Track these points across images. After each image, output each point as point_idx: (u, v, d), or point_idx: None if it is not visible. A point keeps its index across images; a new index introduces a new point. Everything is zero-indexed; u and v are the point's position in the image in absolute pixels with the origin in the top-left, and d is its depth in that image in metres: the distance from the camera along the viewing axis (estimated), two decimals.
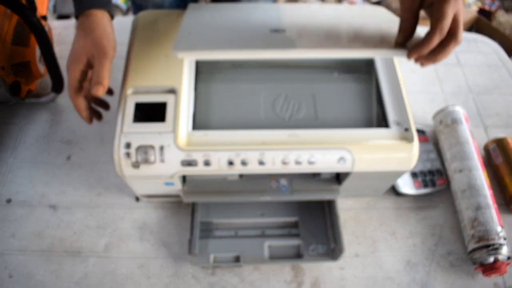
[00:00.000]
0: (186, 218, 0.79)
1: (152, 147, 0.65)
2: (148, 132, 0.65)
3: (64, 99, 0.94)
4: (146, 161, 0.65)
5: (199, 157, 0.65)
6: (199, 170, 0.66)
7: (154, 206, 0.81)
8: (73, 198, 0.82)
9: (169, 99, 0.68)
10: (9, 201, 0.82)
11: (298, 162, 0.67)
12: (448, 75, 1.05)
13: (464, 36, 1.11)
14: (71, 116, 0.92)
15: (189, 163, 0.65)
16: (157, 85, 0.70)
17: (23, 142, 0.89)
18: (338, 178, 0.77)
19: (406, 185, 0.82)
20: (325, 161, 0.67)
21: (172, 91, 0.69)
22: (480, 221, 0.75)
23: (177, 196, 0.79)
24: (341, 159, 0.67)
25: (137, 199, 0.82)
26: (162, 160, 0.65)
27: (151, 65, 0.72)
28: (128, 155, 0.65)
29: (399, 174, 0.73)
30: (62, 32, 1.09)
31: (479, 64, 1.09)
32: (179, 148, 0.64)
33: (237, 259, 0.75)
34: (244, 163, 0.66)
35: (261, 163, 0.66)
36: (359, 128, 0.69)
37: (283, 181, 0.75)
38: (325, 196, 0.75)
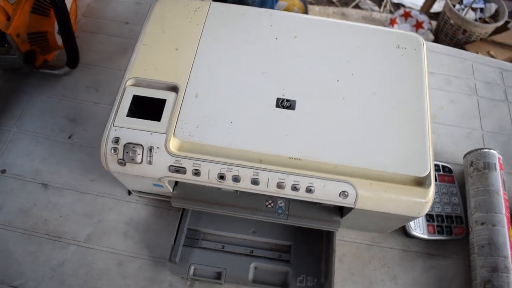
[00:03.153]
0: (175, 221, 0.75)
1: (140, 146, 0.60)
2: (140, 129, 0.61)
3: (78, 75, 0.91)
4: (133, 160, 0.60)
5: (188, 165, 0.60)
6: (187, 178, 0.61)
7: (145, 203, 0.78)
8: (66, 179, 0.80)
9: (169, 96, 0.63)
10: (3, 171, 0.80)
11: (295, 188, 0.60)
12: (492, 111, 0.93)
13: None
14: (82, 94, 0.89)
15: (177, 170, 0.60)
16: (161, 79, 0.65)
17: (29, 113, 0.87)
18: (341, 209, 0.69)
19: (418, 228, 0.74)
20: (325, 192, 0.60)
21: (175, 88, 0.64)
22: (494, 285, 0.66)
23: (169, 196, 0.74)
24: (343, 193, 0.60)
25: (129, 192, 0.78)
26: (149, 162, 0.60)
27: (158, 56, 0.67)
28: (115, 150, 0.60)
29: (407, 219, 0.65)
30: (92, 4, 1.06)
31: None
32: (169, 152, 0.60)
33: (218, 276, 0.70)
34: (236, 179, 0.60)
35: (254, 182, 0.60)
36: (367, 161, 0.61)
37: (281, 202, 0.69)
38: (323, 227, 0.68)
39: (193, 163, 0.60)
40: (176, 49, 0.67)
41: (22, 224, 0.75)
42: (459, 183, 0.81)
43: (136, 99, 0.63)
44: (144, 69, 0.65)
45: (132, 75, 0.65)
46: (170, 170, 0.60)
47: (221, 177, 0.60)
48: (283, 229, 0.74)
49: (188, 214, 0.73)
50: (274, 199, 0.70)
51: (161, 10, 0.72)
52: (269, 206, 0.69)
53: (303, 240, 0.73)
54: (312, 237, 0.74)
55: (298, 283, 0.70)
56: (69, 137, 0.84)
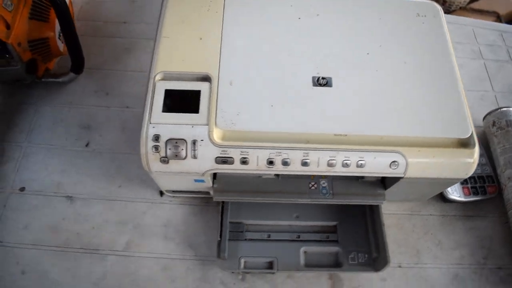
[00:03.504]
0: (214, 217, 0.73)
1: (183, 141, 0.57)
2: (180, 123, 0.58)
3: (84, 80, 0.87)
4: (176, 156, 0.58)
5: (235, 155, 0.58)
6: (235, 168, 0.59)
7: (180, 202, 0.75)
8: (91, 189, 0.76)
9: (203, 87, 0.61)
10: (22, 189, 0.76)
11: (345, 165, 0.59)
12: (499, 72, 0.96)
13: None
14: (92, 100, 0.85)
15: (224, 160, 0.58)
16: (190, 71, 0.62)
17: (39, 125, 0.82)
18: (383, 181, 0.69)
19: (455, 191, 0.75)
20: (376, 164, 0.59)
21: (207, 78, 0.61)
22: None
23: (206, 192, 0.72)
24: (393, 163, 0.59)
25: (161, 193, 0.76)
26: (194, 156, 0.58)
27: (183, 48, 0.64)
28: (156, 148, 0.57)
29: (454, 181, 0.65)
30: (85, 7, 1.01)
31: None
32: (214, 143, 0.57)
33: (270, 265, 0.68)
34: (285, 163, 0.59)
35: (304, 164, 0.59)
36: (412, 128, 0.61)
37: (324, 183, 0.68)
38: (369, 201, 0.68)
39: (241, 152, 0.58)
40: (200, 39, 0.65)
41: (53, 241, 0.71)
42: (482, 144, 0.82)
43: (169, 93, 0.61)
44: (171, 62, 0.63)
45: (159, 69, 0.62)
46: (217, 162, 0.58)
47: (271, 162, 0.59)
48: (326, 210, 0.73)
49: (228, 208, 0.70)
50: (316, 180, 0.69)
51: (177, 1, 0.69)
52: (313, 188, 0.68)
53: (347, 218, 0.73)
54: (356, 214, 0.73)
55: (350, 261, 0.69)
56: (86, 145, 0.80)
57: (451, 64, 0.66)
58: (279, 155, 0.58)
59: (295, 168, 0.59)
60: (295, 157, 0.58)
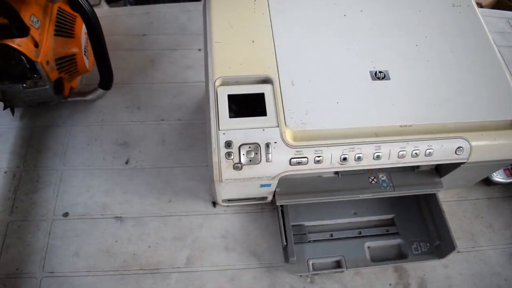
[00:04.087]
0: (271, 223, 0.72)
1: (257, 145, 0.56)
2: (250, 128, 0.57)
3: (112, 96, 0.84)
4: (251, 161, 0.56)
5: (309, 154, 0.58)
6: (308, 168, 0.59)
7: (235, 211, 0.73)
8: (140, 207, 0.73)
9: (266, 89, 0.60)
10: (65, 214, 0.72)
11: (415, 155, 0.60)
12: None
13: None
14: (124, 116, 0.82)
15: (298, 161, 0.57)
16: (249, 74, 0.61)
17: (72, 146, 0.78)
18: (438, 170, 0.70)
19: (498, 174, 0.77)
20: (443, 151, 0.61)
21: (268, 80, 0.61)
22: None
23: (262, 198, 0.71)
24: (459, 149, 0.60)
25: (214, 204, 0.73)
26: (268, 159, 0.57)
27: (237, 52, 0.63)
28: (229, 155, 0.56)
29: (510, 162, 0.67)
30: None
31: None
32: (288, 145, 0.57)
33: (338, 264, 0.68)
34: (358, 158, 0.59)
35: (377, 157, 0.59)
36: (472, 114, 0.62)
37: (382, 176, 0.69)
38: (427, 190, 0.69)
39: (315, 151, 0.57)
40: (253, 41, 0.64)
41: (109, 265, 0.67)
42: None
43: (232, 98, 0.59)
44: (228, 66, 0.62)
45: (217, 75, 0.60)
46: (291, 164, 0.58)
47: (344, 159, 0.58)
48: (382, 204, 0.74)
49: (288, 211, 0.69)
50: (375, 174, 0.69)
51: (219, 6, 0.68)
52: (373, 182, 0.68)
53: (403, 210, 0.73)
54: (411, 205, 0.74)
55: (414, 252, 0.70)
56: (126, 163, 0.77)
57: (492, 50, 0.69)
58: (352, 150, 0.58)
59: (367, 163, 0.60)
60: (368, 151, 0.59)
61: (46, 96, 0.75)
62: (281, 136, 0.57)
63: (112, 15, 0.95)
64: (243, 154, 0.56)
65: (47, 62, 0.72)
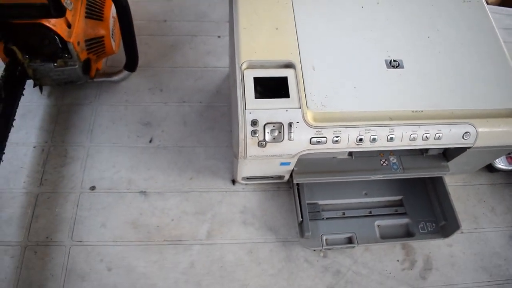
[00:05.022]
0: (287, 201, 0.76)
1: (280, 124, 0.61)
2: (274, 108, 0.61)
3: (135, 78, 0.88)
4: (274, 139, 0.61)
5: (329, 134, 0.62)
6: (326, 148, 0.63)
7: (253, 189, 0.78)
8: (164, 183, 0.77)
9: (289, 73, 0.64)
10: (93, 188, 0.76)
11: (425, 138, 0.65)
12: None
13: None
14: (147, 97, 0.86)
15: (318, 141, 0.62)
16: (273, 59, 0.65)
17: (99, 124, 0.82)
18: (445, 154, 0.75)
19: (501, 162, 0.82)
20: (451, 136, 0.65)
21: (290, 65, 0.65)
22: None
23: (279, 177, 0.75)
24: (466, 134, 0.65)
25: (233, 182, 0.78)
26: (290, 138, 0.61)
27: (262, 38, 0.67)
28: (254, 132, 0.60)
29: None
30: None
31: None
32: (309, 125, 0.61)
33: (349, 240, 0.72)
34: (373, 139, 0.63)
35: (390, 139, 0.64)
36: (479, 101, 0.67)
37: (393, 159, 0.73)
38: (435, 173, 0.74)
39: (334, 131, 0.62)
40: (277, 29, 0.68)
41: (134, 236, 0.72)
42: None
43: (257, 81, 0.63)
44: (254, 51, 0.66)
45: (244, 59, 0.65)
46: (311, 143, 0.62)
47: (360, 139, 0.63)
48: (391, 186, 0.78)
49: (304, 190, 0.74)
50: (386, 157, 0.74)
51: None
52: (384, 164, 0.73)
53: (411, 192, 0.78)
54: (418, 187, 0.79)
55: (421, 230, 0.74)
56: (150, 141, 0.82)
57: (499, 43, 0.73)
58: (368, 132, 0.63)
59: (381, 144, 0.64)
60: (382, 133, 0.63)
61: (74, 76, 0.79)
62: (303, 116, 0.61)
63: (134, 0, 0.99)
64: (268, 132, 0.60)
65: (78, 43, 0.75)
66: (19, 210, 0.73)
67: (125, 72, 0.84)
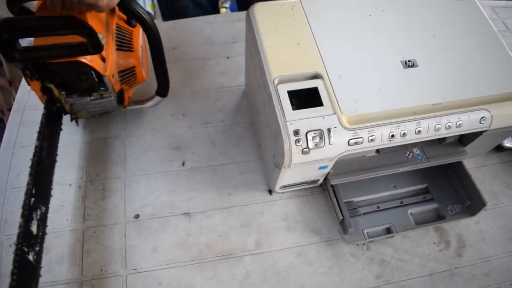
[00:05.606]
0: (324, 203, 0.81)
1: (320, 130, 0.66)
2: (311, 117, 0.66)
3: (157, 106, 0.91)
4: (316, 145, 0.66)
5: (364, 135, 0.67)
6: (364, 147, 0.68)
7: (289, 196, 0.82)
8: (204, 202, 0.80)
9: (318, 84, 0.69)
10: (137, 216, 0.78)
11: (448, 127, 0.71)
12: None
13: (504, 3, 1.22)
14: (171, 122, 0.90)
15: (356, 141, 0.67)
16: (301, 72, 0.70)
17: (130, 154, 0.85)
18: (460, 141, 0.81)
19: (508, 141, 0.89)
20: (470, 122, 0.72)
21: (318, 76, 0.70)
22: None
23: (313, 182, 0.80)
24: (482, 118, 0.72)
25: (270, 192, 0.82)
26: (330, 142, 0.66)
27: (287, 54, 0.72)
28: (298, 141, 0.65)
29: None
30: None
31: None
32: (345, 128, 0.66)
33: (388, 231, 0.78)
34: (404, 134, 0.69)
35: (418, 132, 0.69)
36: (490, 88, 0.74)
37: (416, 150, 0.79)
38: (456, 158, 0.80)
39: (368, 131, 0.67)
40: (298, 44, 0.74)
41: (186, 257, 0.75)
42: None
43: (291, 94, 0.68)
44: (282, 67, 0.71)
45: (275, 75, 0.69)
46: (349, 144, 0.67)
47: (392, 136, 0.68)
48: (416, 176, 0.85)
49: (339, 190, 0.79)
50: (409, 150, 0.80)
51: (263, 14, 0.77)
52: (410, 156, 0.79)
53: (434, 179, 0.84)
54: (439, 174, 0.85)
55: (450, 212, 0.80)
56: (183, 164, 0.85)
57: (495, 34, 0.81)
58: (398, 128, 0.69)
59: (411, 137, 0.70)
60: (411, 127, 0.69)
61: (110, 107, 0.81)
62: (339, 121, 0.66)
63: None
64: (310, 140, 0.65)
65: (113, 75, 0.77)
66: (68, 248, 0.74)
67: (157, 98, 0.87)
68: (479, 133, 0.76)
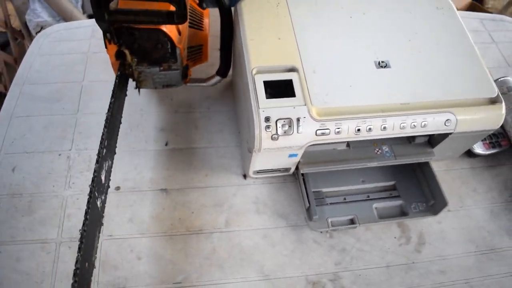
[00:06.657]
0: (294, 191, 0.85)
1: (290, 119, 0.70)
2: (283, 106, 0.71)
3: (148, 90, 0.96)
4: (285, 132, 0.70)
5: (331, 127, 0.72)
6: (330, 138, 0.73)
7: (262, 182, 0.86)
8: (182, 180, 0.85)
9: (293, 76, 0.74)
10: (118, 188, 0.84)
11: (413, 126, 0.75)
12: (486, 53, 1.17)
13: (492, 16, 1.25)
14: (159, 106, 0.95)
15: (323, 132, 0.71)
16: (278, 64, 0.75)
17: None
18: (430, 142, 0.85)
19: (479, 147, 0.93)
20: (435, 124, 0.76)
21: (294, 69, 0.75)
22: None
23: (286, 170, 0.85)
24: (448, 121, 0.76)
25: (245, 176, 0.87)
26: (298, 131, 0.71)
27: (267, 47, 0.77)
28: (268, 127, 0.70)
29: (488, 132, 0.83)
30: None
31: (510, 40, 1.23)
32: (314, 119, 0.71)
33: (351, 222, 0.82)
34: (369, 129, 0.73)
35: (383, 128, 0.74)
36: (456, 93, 0.77)
37: (385, 148, 0.84)
38: (422, 158, 0.84)
39: (335, 124, 0.72)
40: (279, 39, 0.79)
41: (159, 228, 0.80)
42: None
43: (266, 84, 0.73)
44: (261, 58, 0.76)
45: (253, 65, 0.74)
46: (317, 134, 0.72)
47: (358, 130, 0.73)
48: (385, 173, 0.89)
49: (309, 179, 0.84)
50: (379, 146, 0.84)
51: (250, 10, 0.82)
52: (378, 152, 0.83)
53: (402, 177, 0.88)
54: (408, 172, 0.89)
55: (413, 210, 0.84)
56: (166, 144, 0.90)
57: (470, 42, 0.85)
58: (364, 123, 0.73)
59: (376, 133, 0.74)
60: (377, 124, 0.73)
61: (175, 79, 0.84)
62: (309, 112, 0.71)
63: None
64: (279, 127, 0.70)
65: (184, 49, 0.81)
66: (51, 211, 0.80)
67: (217, 78, 0.91)
68: (446, 135, 0.80)
